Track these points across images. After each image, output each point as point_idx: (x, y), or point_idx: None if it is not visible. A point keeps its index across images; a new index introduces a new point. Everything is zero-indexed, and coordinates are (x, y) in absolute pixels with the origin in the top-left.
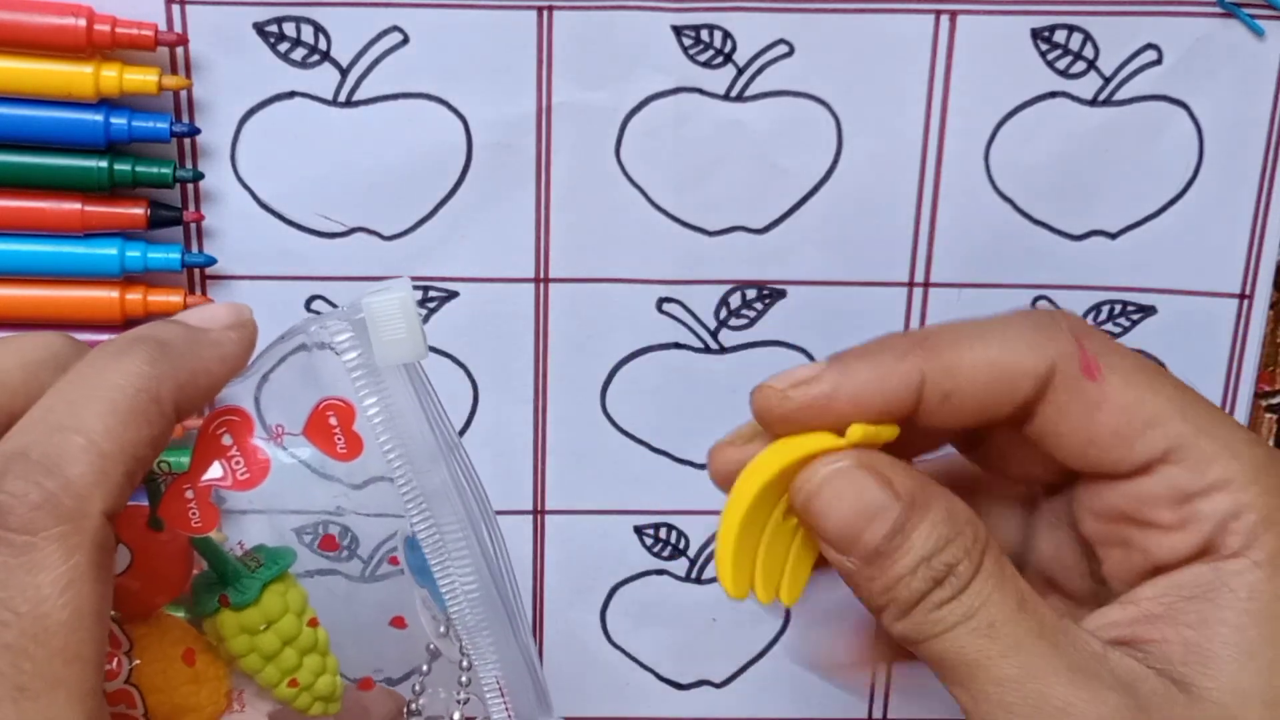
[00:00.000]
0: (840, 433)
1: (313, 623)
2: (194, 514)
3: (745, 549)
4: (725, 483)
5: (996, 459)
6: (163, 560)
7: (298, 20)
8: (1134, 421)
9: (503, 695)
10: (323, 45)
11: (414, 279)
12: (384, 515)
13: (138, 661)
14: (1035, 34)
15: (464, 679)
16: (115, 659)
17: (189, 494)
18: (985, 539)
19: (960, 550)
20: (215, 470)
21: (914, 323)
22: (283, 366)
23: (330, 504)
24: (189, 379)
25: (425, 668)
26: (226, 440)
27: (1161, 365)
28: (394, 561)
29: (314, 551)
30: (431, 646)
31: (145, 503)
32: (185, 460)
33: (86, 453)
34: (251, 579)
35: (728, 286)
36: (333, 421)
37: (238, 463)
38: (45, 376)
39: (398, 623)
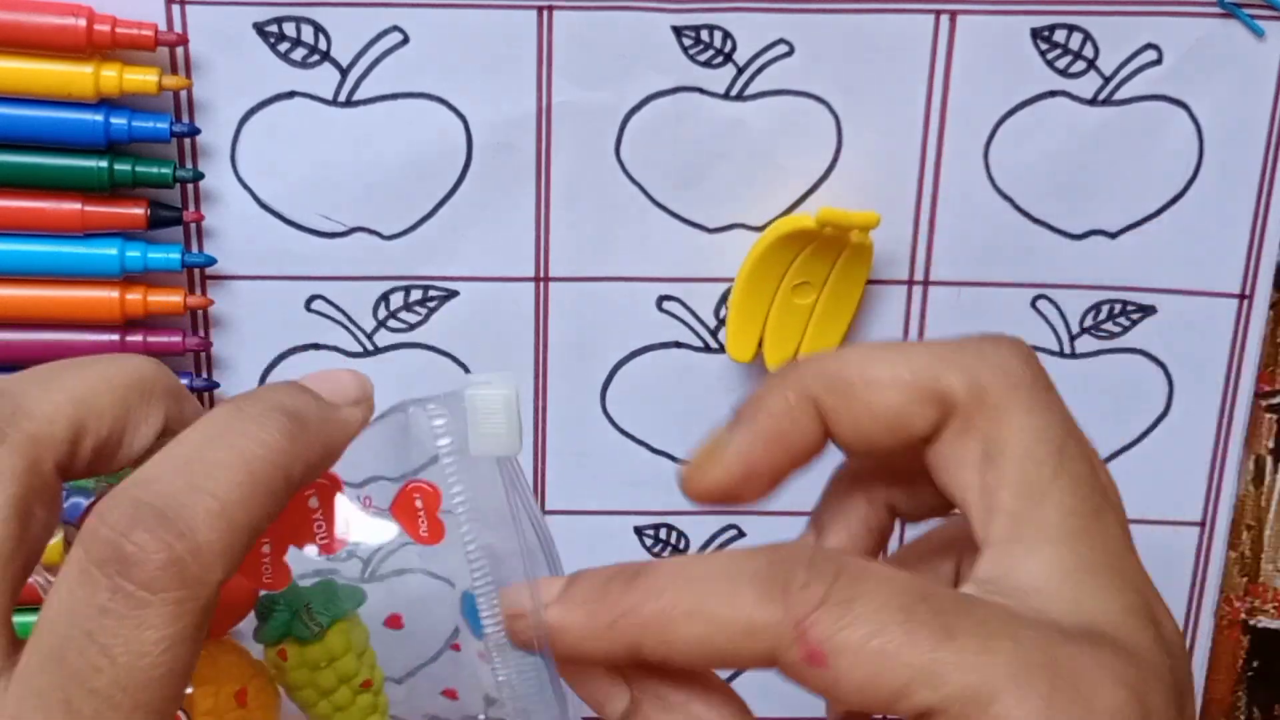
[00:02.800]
0: None
1: (369, 664)
2: (267, 570)
3: (750, 317)
4: (707, 501)
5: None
6: (228, 592)
7: (298, 20)
8: (879, 693)
9: None
10: (323, 45)
11: (414, 279)
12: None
13: (191, 690)
14: (1035, 34)
15: None
16: None
17: (265, 549)
18: None
19: None
20: (296, 531)
21: (914, 321)
22: (380, 441)
23: (405, 562)
24: (317, 460)
25: (482, 717)
26: (313, 503)
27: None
28: (456, 648)
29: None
30: (489, 696)
31: None
32: None
33: (220, 520)
34: (321, 614)
35: (728, 285)
36: (418, 504)
37: (320, 527)
38: (132, 401)
39: (449, 694)
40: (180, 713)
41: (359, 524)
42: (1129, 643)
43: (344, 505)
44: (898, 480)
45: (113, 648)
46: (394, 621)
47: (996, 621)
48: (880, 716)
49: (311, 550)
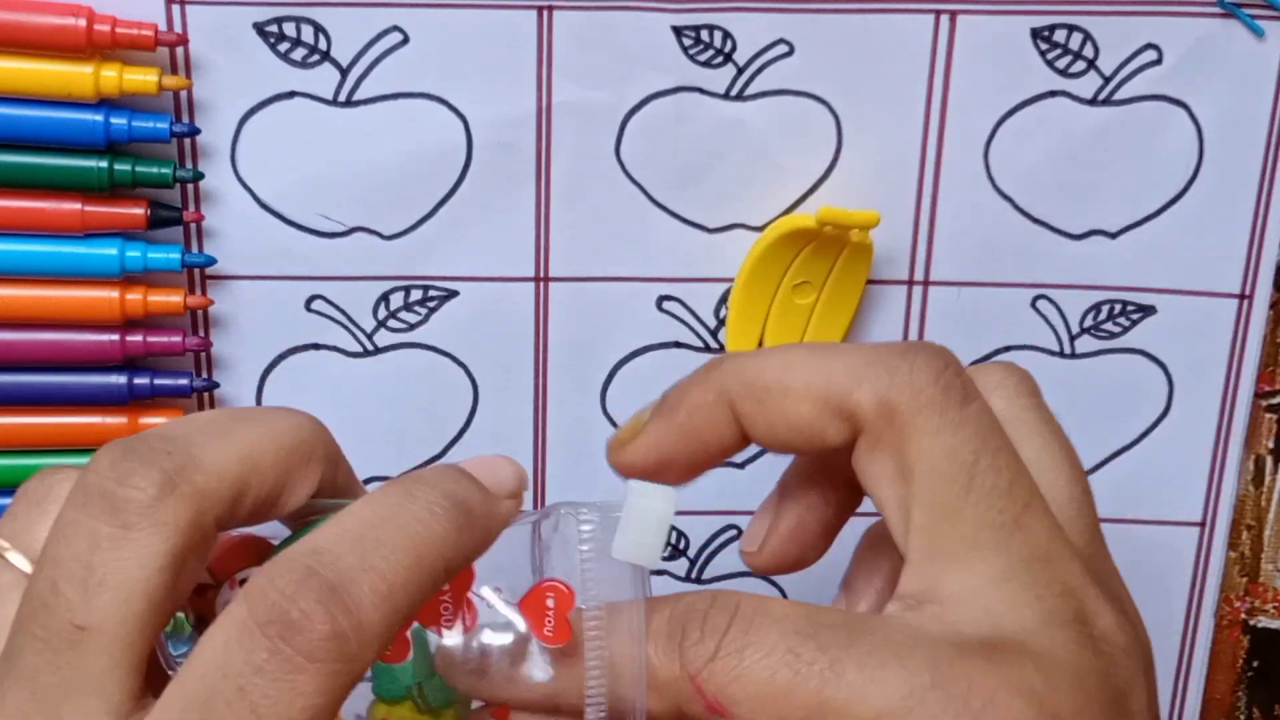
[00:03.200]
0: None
1: None
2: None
3: (750, 317)
4: (630, 474)
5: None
6: None
7: (298, 20)
8: None
9: None
10: (323, 45)
11: (414, 279)
12: None
13: None
14: (1035, 34)
15: None
16: None
17: None
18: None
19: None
20: (424, 610)
21: (914, 321)
22: (522, 534)
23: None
24: (476, 552)
25: None
26: (444, 585)
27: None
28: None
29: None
30: None
31: None
32: None
33: (385, 602)
34: (444, 687)
35: (728, 285)
36: (549, 604)
37: (447, 609)
38: (293, 463)
39: None
40: None
41: (486, 613)
42: (1041, 649)
43: (474, 593)
44: None
45: (261, 706)
46: (502, 714)
47: (887, 648)
48: None
49: (432, 626)
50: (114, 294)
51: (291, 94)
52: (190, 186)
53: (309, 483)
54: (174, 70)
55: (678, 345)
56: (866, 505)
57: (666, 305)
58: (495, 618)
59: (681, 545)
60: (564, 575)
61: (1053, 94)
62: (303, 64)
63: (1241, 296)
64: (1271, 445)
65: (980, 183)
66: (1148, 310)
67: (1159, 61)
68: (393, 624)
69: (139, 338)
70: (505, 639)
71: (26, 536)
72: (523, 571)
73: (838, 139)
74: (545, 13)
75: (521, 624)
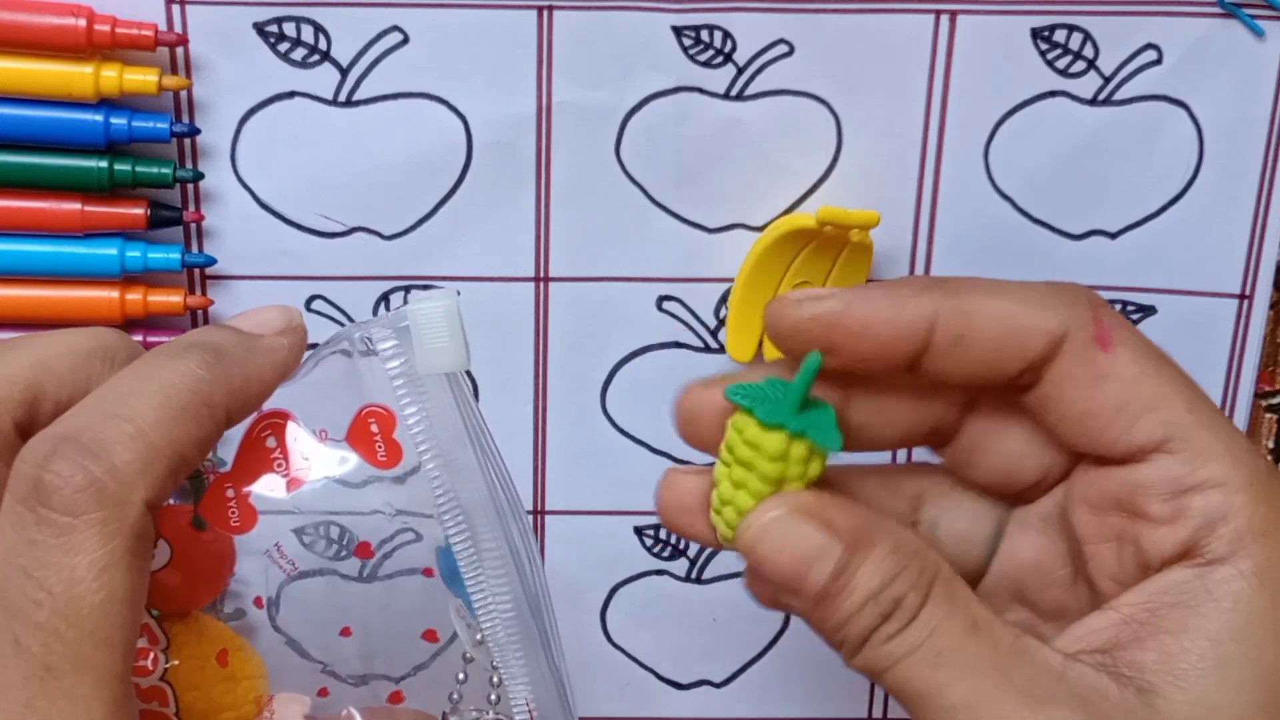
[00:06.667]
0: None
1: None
2: (234, 513)
3: (750, 317)
4: (687, 423)
5: (971, 456)
6: (203, 559)
7: (298, 20)
8: (1138, 399)
9: (532, 716)
10: (323, 45)
11: (414, 279)
12: (424, 515)
13: (175, 662)
14: (1035, 34)
15: (493, 696)
16: (151, 655)
17: (229, 493)
18: (934, 566)
19: (906, 583)
20: (258, 471)
21: None
22: (328, 371)
23: (375, 502)
24: (241, 385)
25: (461, 675)
26: (270, 443)
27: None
28: (429, 573)
29: (313, 551)
30: (467, 655)
31: (190, 503)
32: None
33: (135, 441)
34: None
35: (728, 285)
36: (374, 429)
37: (279, 464)
38: (93, 367)
39: (429, 636)
40: (166, 688)
41: (317, 455)
42: None
43: (301, 440)
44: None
45: (48, 579)
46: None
47: None
48: None
49: (277, 484)
50: (114, 294)
51: (291, 94)
52: (190, 186)
53: None
54: (174, 70)
55: (678, 345)
56: None
57: (666, 305)
58: (326, 457)
59: (681, 545)
60: (381, 398)
61: (1053, 94)
62: (303, 64)
63: (1241, 296)
64: (1271, 445)
65: (980, 183)
66: (1148, 310)
67: (1159, 61)
68: (152, 460)
69: (139, 338)
70: (346, 474)
71: None
72: (346, 406)
73: (838, 139)
74: (545, 13)
75: (353, 457)
